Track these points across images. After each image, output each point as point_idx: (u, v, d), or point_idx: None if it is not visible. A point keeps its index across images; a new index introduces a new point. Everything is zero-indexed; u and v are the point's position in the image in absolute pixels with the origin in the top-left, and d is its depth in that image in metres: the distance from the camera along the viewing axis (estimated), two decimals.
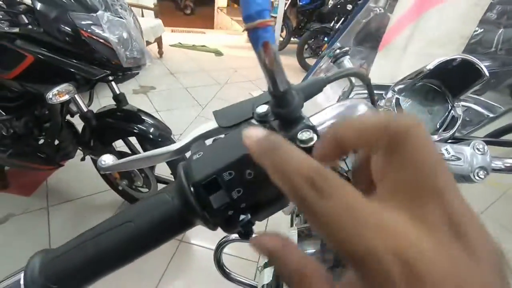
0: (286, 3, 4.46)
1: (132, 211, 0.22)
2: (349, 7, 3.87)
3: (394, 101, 0.46)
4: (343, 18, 3.92)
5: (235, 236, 0.78)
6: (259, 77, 3.66)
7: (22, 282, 0.20)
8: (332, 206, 0.12)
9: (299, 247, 0.48)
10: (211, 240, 1.53)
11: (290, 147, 0.14)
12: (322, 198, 0.12)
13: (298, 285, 0.13)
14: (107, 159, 0.34)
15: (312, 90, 0.28)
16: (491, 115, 0.51)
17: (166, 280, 1.31)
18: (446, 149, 0.38)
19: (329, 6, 4.06)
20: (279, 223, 1.63)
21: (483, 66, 0.41)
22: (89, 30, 1.03)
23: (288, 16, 4.68)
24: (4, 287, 0.21)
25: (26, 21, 1.02)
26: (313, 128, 0.21)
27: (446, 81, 0.46)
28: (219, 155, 0.20)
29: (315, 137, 0.20)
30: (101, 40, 1.03)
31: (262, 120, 0.24)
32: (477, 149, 0.35)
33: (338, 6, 3.96)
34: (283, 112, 0.22)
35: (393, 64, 1.79)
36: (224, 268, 0.78)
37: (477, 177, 0.35)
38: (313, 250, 0.48)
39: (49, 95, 0.98)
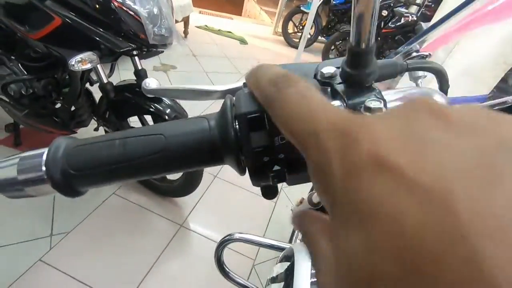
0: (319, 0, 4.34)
1: (168, 125, 0.20)
2: (384, 12, 3.74)
3: None
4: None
5: (238, 235, 0.76)
6: None
7: (44, 157, 0.20)
8: (287, 93, 0.14)
9: None
10: (211, 230, 1.51)
11: (269, 66, 0.16)
12: (280, 90, 0.14)
13: None
14: (152, 82, 0.34)
15: (389, 71, 0.25)
16: None
17: (162, 262, 1.31)
18: None
19: None
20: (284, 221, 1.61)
21: None
22: (119, 0, 1.00)
23: (319, 14, 4.56)
24: (26, 156, 0.21)
25: None
26: (384, 101, 0.19)
27: None
28: None
29: (383, 109, 0.18)
30: (131, 12, 1.00)
31: (326, 82, 0.21)
32: None
33: None
34: (357, 74, 0.20)
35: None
36: (224, 266, 0.75)
37: None
38: None
39: (72, 61, 0.96)
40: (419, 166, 0.09)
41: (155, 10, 1.04)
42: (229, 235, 0.77)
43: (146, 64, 2.56)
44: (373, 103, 0.18)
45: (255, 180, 0.19)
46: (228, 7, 6.67)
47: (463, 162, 0.08)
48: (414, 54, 0.51)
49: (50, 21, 0.97)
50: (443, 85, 0.33)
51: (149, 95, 0.35)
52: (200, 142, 0.19)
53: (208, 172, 1.80)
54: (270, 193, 0.21)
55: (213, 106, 2.49)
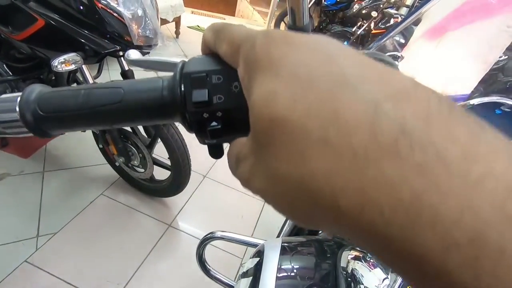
0: (310, 1, 4.37)
1: (128, 82, 0.23)
2: (374, 14, 3.78)
3: None
4: (366, 25, 3.83)
5: (220, 233, 0.77)
6: None
7: (18, 100, 0.23)
8: (231, 26, 0.18)
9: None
10: (200, 230, 1.53)
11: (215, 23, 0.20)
12: (225, 25, 0.18)
13: None
14: (133, 54, 0.35)
15: None
16: None
17: (150, 261, 1.32)
18: None
19: (354, 10, 3.97)
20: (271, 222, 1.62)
21: None
22: (103, 2, 1.01)
23: (311, 15, 4.59)
24: (3, 98, 0.24)
25: None
26: None
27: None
28: (218, 61, 0.20)
29: None
30: (115, 14, 1.01)
31: None
32: None
33: (363, 11, 3.87)
34: (294, 27, 0.23)
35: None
36: (206, 264, 0.77)
37: None
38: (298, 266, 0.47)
39: (55, 62, 0.96)
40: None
41: (139, 12, 1.04)
42: (211, 233, 0.79)
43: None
44: None
45: (199, 136, 0.22)
46: (221, 7, 6.66)
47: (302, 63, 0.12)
48: (388, 53, 0.53)
49: (33, 23, 0.97)
50: None
51: (131, 66, 0.37)
52: (153, 99, 0.22)
53: (198, 172, 1.81)
54: (216, 152, 0.23)
55: None
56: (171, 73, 0.22)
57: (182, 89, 0.20)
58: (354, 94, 0.10)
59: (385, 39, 0.81)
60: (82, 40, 1.02)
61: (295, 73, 0.12)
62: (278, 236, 1.13)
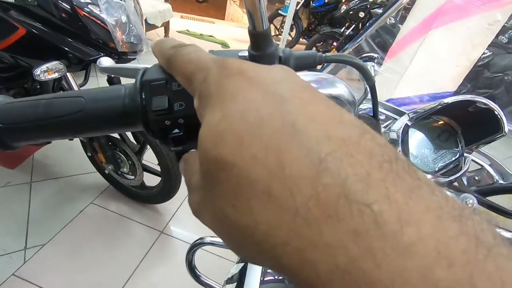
0: (298, 3, 4.40)
1: (89, 91, 0.22)
2: (361, 14, 3.83)
3: (403, 126, 0.43)
4: (354, 25, 3.88)
5: (209, 239, 0.77)
6: None
7: None
8: (183, 50, 0.17)
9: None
10: (192, 236, 1.51)
11: (170, 38, 0.19)
12: (178, 51, 0.17)
13: None
14: (105, 61, 0.35)
15: (306, 61, 0.27)
16: (503, 183, 0.46)
17: (142, 269, 1.30)
18: None
19: (342, 11, 4.01)
20: None
21: (505, 119, 0.37)
22: (86, 9, 1.00)
23: (300, 16, 4.63)
24: None
25: None
26: (280, 60, 0.23)
27: (465, 126, 0.43)
28: None
29: None
30: (98, 21, 1.00)
31: None
32: (467, 204, 0.33)
33: (351, 12, 3.91)
34: (260, 55, 0.23)
35: (396, 79, 1.76)
36: (196, 270, 0.76)
37: None
38: None
39: (37, 71, 0.95)
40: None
41: (123, 18, 1.04)
42: (200, 239, 0.78)
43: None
44: None
45: (163, 144, 0.21)
46: (211, 11, 6.67)
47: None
48: (363, 55, 0.53)
49: (14, 31, 0.96)
50: (367, 80, 0.35)
51: (103, 73, 0.37)
52: (115, 107, 0.21)
53: None
54: (179, 155, 0.23)
55: None
56: None
57: (143, 96, 0.20)
58: (301, 147, 0.10)
59: (359, 40, 0.83)
60: (65, 48, 1.01)
61: (245, 116, 0.11)
62: None
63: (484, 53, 2.87)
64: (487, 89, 3.19)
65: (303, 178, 0.10)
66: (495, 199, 0.40)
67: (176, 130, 0.20)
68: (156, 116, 0.19)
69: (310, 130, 0.11)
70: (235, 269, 0.48)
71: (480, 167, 0.47)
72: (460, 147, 0.42)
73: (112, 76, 1.25)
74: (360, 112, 0.45)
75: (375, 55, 0.53)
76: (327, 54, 0.29)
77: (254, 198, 0.10)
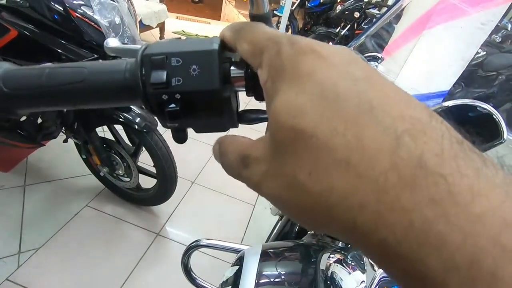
0: (294, 3, 4.41)
1: (92, 63, 0.23)
2: (357, 14, 3.84)
3: None
4: (349, 25, 3.89)
5: (205, 241, 0.76)
6: None
7: None
8: (254, 25, 0.18)
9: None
10: (189, 238, 1.51)
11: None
12: (250, 24, 0.18)
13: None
14: (112, 42, 0.34)
15: None
16: None
17: (138, 272, 1.29)
18: None
19: (337, 12, 4.03)
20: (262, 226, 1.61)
21: (505, 125, 0.36)
22: (79, 11, 0.99)
23: (295, 17, 4.63)
24: None
25: None
26: None
27: (464, 131, 0.42)
28: (178, 45, 0.21)
29: None
30: (91, 23, 0.99)
31: None
32: None
33: (346, 12, 3.92)
34: (258, 16, 0.23)
35: (391, 79, 1.77)
36: (191, 273, 0.75)
37: None
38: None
39: None
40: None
41: (117, 20, 1.03)
42: (196, 241, 0.78)
43: None
44: None
45: (160, 119, 0.22)
46: (207, 12, 6.65)
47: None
48: (367, 54, 0.52)
49: (5, 33, 0.95)
50: None
51: (110, 54, 0.37)
52: (115, 80, 0.22)
53: (185, 178, 1.79)
54: (179, 136, 0.24)
55: None
56: None
57: (143, 71, 0.21)
58: (378, 124, 0.11)
59: (361, 38, 0.82)
60: (58, 50, 1.00)
61: (324, 92, 0.12)
62: (267, 241, 1.13)
63: (478, 53, 2.89)
64: (481, 88, 3.21)
65: (381, 151, 0.11)
66: None
67: (173, 105, 0.20)
68: (154, 90, 0.20)
69: (386, 108, 0.12)
70: (229, 272, 0.47)
71: None
72: None
73: None
74: None
75: (379, 55, 0.52)
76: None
77: (332, 165, 0.11)
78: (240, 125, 0.24)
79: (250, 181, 0.15)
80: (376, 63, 0.52)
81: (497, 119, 0.36)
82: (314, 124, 0.12)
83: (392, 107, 0.12)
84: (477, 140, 0.39)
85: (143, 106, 0.22)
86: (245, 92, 0.22)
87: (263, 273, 0.46)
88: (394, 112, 0.11)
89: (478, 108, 0.37)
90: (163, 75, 0.20)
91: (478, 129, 0.39)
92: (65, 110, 1.34)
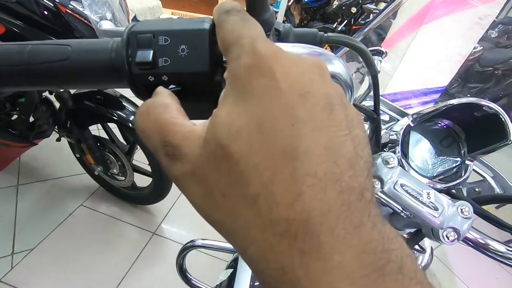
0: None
1: (76, 40, 0.22)
2: (354, 9, 3.82)
3: (404, 127, 0.41)
4: (346, 20, 3.87)
5: (200, 241, 0.75)
6: None
7: None
8: (228, 19, 0.17)
9: None
10: (186, 236, 1.49)
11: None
12: (226, 18, 0.17)
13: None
14: (105, 24, 0.32)
15: (305, 39, 0.27)
16: (504, 195, 0.43)
17: (134, 272, 1.28)
18: (428, 193, 0.34)
19: (334, 7, 4.00)
20: None
21: (511, 125, 0.35)
22: (69, 6, 0.96)
23: (292, 12, 4.59)
24: None
25: None
26: (279, 34, 0.24)
27: (470, 132, 0.40)
28: (167, 23, 0.20)
29: None
30: (81, 18, 0.96)
31: None
32: (462, 211, 0.31)
33: (343, 7, 3.90)
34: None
35: (388, 74, 1.75)
36: (187, 274, 0.74)
37: (445, 238, 0.31)
38: None
39: None
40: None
41: (108, 15, 1.00)
42: (191, 241, 0.76)
43: None
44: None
45: (144, 99, 0.21)
46: (203, 8, 6.58)
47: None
48: (371, 48, 0.50)
49: None
50: (369, 67, 0.33)
51: (103, 37, 0.35)
52: (101, 60, 0.21)
53: None
54: None
55: None
56: None
57: (129, 51, 0.19)
58: (291, 174, 0.12)
59: (363, 32, 0.80)
60: None
61: (262, 124, 0.13)
62: None
63: (474, 48, 2.89)
64: (478, 83, 3.22)
65: (282, 201, 0.12)
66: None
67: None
68: (140, 70, 0.19)
69: (306, 159, 0.12)
70: (224, 275, 0.46)
71: (482, 178, 0.45)
72: (462, 154, 0.40)
73: None
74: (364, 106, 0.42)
75: (383, 50, 0.50)
76: (329, 34, 0.28)
77: (243, 197, 0.12)
78: None
79: (168, 171, 0.15)
80: (380, 58, 0.50)
81: (503, 119, 0.35)
82: (242, 154, 0.13)
83: (311, 160, 0.12)
84: (483, 142, 0.38)
85: (129, 87, 0.21)
86: None
87: None
88: (311, 166, 0.12)
89: (485, 108, 0.35)
90: (149, 54, 0.19)
91: (484, 130, 0.37)
92: (53, 99, 1.31)
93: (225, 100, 0.14)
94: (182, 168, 0.15)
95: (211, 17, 0.19)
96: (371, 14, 3.83)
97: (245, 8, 0.23)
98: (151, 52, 0.19)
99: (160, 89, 0.18)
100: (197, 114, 0.22)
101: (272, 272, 0.12)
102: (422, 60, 1.55)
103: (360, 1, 3.87)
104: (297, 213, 0.12)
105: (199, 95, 0.20)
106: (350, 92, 0.27)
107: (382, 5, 4.31)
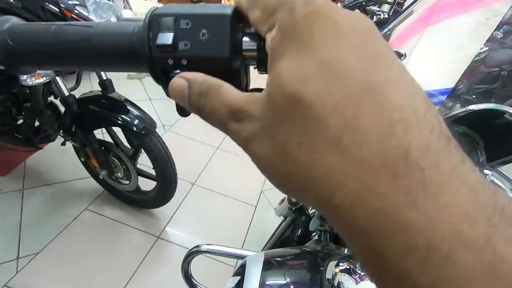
0: None
1: (99, 23, 0.23)
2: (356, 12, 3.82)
3: None
4: None
5: (205, 247, 0.74)
6: (257, 75, 3.59)
7: None
8: None
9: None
10: (190, 240, 1.49)
11: None
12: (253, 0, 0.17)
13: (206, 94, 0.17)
14: (126, 14, 0.33)
15: None
16: None
17: (139, 276, 1.27)
18: None
19: None
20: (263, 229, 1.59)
21: None
22: (75, 11, 0.97)
23: None
24: None
25: None
26: None
27: (489, 140, 0.39)
28: (190, 8, 0.19)
29: None
30: None
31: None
32: None
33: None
34: None
35: None
36: (192, 279, 0.73)
37: None
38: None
39: (24, 76, 0.91)
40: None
41: (113, 19, 1.01)
42: (196, 247, 0.75)
43: (120, 73, 2.49)
44: None
45: (165, 87, 0.21)
46: None
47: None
48: None
49: None
50: None
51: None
52: (122, 42, 0.21)
53: (186, 180, 1.76)
54: (182, 108, 0.22)
55: None
56: None
57: (150, 35, 0.19)
58: (376, 108, 0.11)
59: (383, 32, 0.79)
60: None
61: (331, 64, 0.12)
62: (265, 245, 1.10)
63: (480, 48, 2.85)
64: (484, 84, 3.18)
65: (373, 136, 0.11)
66: None
67: (178, 71, 0.19)
68: (160, 53, 0.19)
69: (388, 93, 0.12)
70: (231, 283, 0.45)
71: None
72: (480, 163, 0.39)
73: (105, 79, 1.22)
74: None
75: (402, 52, 0.49)
76: None
77: (323, 141, 0.12)
78: None
79: (238, 136, 0.15)
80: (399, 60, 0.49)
81: None
82: (315, 96, 0.12)
83: (394, 93, 0.12)
84: (503, 152, 0.36)
85: (148, 71, 0.21)
86: (256, 70, 0.21)
87: (266, 283, 0.43)
88: (395, 98, 0.12)
89: (506, 115, 0.34)
90: (170, 37, 0.18)
91: (505, 138, 0.36)
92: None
93: (283, 53, 0.13)
94: (251, 127, 0.14)
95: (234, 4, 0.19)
96: (375, 16, 3.81)
97: None
98: (172, 34, 0.19)
99: (197, 74, 0.18)
100: None
101: (371, 219, 0.11)
102: (427, 62, 1.54)
103: (363, 3, 3.87)
104: (392, 148, 0.11)
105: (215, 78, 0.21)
106: None
107: (385, 6, 4.29)
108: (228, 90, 0.16)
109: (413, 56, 1.61)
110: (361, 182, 0.11)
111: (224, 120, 0.16)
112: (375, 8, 3.96)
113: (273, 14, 0.15)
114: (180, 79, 0.18)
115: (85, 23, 0.22)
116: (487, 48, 2.95)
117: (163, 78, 0.20)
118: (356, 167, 0.11)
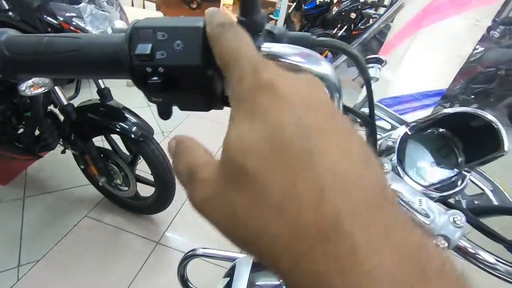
0: (290, 6, 4.42)
1: (88, 34, 0.25)
2: (353, 15, 3.85)
3: (402, 135, 0.42)
4: (346, 26, 3.89)
5: (202, 250, 0.75)
6: None
7: None
8: (229, 33, 0.18)
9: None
10: (189, 245, 1.49)
11: (222, 12, 0.20)
12: (221, 34, 0.18)
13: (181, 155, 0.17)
14: (118, 24, 0.34)
15: (298, 42, 0.28)
16: (501, 207, 0.43)
17: (139, 281, 1.28)
18: (420, 200, 0.34)
19: (333, 13, 4.03)
20: None
21: (506, 137, 0.34)
22: (73, 23, 0.99)
23: (292, 20, 4.64)
24: None
25: (6, 7, 0.97)
26: (274, 37, 0.26)
27: (467, 142, 0.40)
28: (166, 21, 0.21)
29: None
30: None
31: None
32: (454, 220, 0.31)
33: (342, 13, 3.93)
34: (245, 21, 0.24)
35: (387, 78, 1.76)
36: (188, 283, 0.74)
37: (435, 245, 0.30)
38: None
39: (22, 86, 0.93)
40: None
41: (109, 30, 1.03)
42: (192, 250, 0.77)
43: (119, 81, 2.52)
44: (266, 46, 0.25)
45: (145, 92, 0.23)
46: (202, 16, 6.68)
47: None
48: (369, 56, 0.51)
49: None
50: (362, 72, 0.34)
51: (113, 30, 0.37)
52: (105, 52, 0.23)
53: None
54: (163, 111, 0.25)
55: (189, 119, 2.48)
56: None
57: (131, 44, 0.21)
58: (312, 175, 0.12)
59: (361, 38, 0.81)
60: None
61: (272, 137, 0.13)
62: None
63: (476, 49, 2.87)
64: (481, 84, 3.19)
65: (307, 204, 0.12)
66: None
67: (155, 78, 0.21)
68: (139, 62, 0.21)
69: (323, 159, 0.12)
70: (221, 284, 0.46)
71: (481, 191, 0.45)
72: (458, 164, 0.40)
73: (102, 87, 1.25)
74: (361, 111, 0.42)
75: (383, 58, 0.50)
76: (321, 38, 0.29)
77: (268, 209, 0.12)
78: (225, 107, 0.25)
79: (192, 199, 0.16)
80: (379, 66, 0.50)
81: (497, 129, 0.35)
82: (258, 168, 0.13)
83: (328, 159, 0.12)
84: (480, 153, 0.37)
85: (130, 78, 0.23)
86: None
87: (255, 283, 0.45)
88: (328, 163, 0.12)
89: (480, 118, 0.35)
90: (148, 47, 0.20)
91: (481, 140, 0.37)
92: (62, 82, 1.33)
93: (234, 121, 0.15)
94: (201, 191, 0.15)
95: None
96: (371, 19, 3.85)
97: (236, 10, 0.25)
98: (150, 45, 0.21)
99: (184, 137, 0.19)
100: (191, 106, 0.25)
101: (308, 284, 0.11)
102: (421, 64, 1.56)
103: (359, 7, 3.90)
104: (325, 215, 0.11)
105: (192, 87, 0.22)
106: (338, 94, 0.28)
107: (381, 10, 4.34)
108: (193, 150, 0.17)
109: (406, 59, 1.63)
110: (298, 249, 0.12)
111: (183, 180, 0.17)
112: (371, 11, 4.00)
113: (227, 71, 0.17)
114: (171, 140, 0.19)
115: (74, 35, 0.24)
116: (483, 48, 2.97)
117: (142, 84, 0.22)
118: (295, 235, 0.12)
